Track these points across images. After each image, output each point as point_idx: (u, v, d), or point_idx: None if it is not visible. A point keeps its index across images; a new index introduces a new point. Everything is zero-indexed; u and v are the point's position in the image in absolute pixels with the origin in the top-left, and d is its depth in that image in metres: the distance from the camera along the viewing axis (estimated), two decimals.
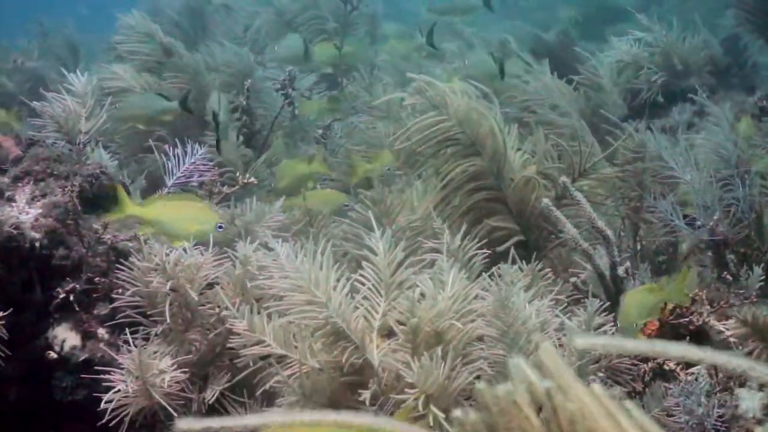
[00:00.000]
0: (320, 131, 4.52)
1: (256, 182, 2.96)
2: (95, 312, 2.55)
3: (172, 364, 2.24)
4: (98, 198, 2.86)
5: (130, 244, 2.62)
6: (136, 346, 2.26)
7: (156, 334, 2.33)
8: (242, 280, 2.31)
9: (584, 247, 2.34)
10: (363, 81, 4.84)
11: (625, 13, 4.70)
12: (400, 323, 2.06)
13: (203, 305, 2.35)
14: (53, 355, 2.48)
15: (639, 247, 3.08)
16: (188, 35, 5.44)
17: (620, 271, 2.39)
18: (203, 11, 5.56)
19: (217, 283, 2.38)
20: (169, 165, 2.72)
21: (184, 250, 2.30)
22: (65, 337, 2.51)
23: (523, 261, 2.51)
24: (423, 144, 2.74)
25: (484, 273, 2.39)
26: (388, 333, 2.13)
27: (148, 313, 2.35)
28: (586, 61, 4.36)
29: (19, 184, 2.71)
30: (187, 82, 4.16)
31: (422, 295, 2.07)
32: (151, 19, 4.79)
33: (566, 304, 2.39)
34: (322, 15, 5.68)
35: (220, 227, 2.57)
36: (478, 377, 2.07)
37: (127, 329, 2.37)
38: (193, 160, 2.69)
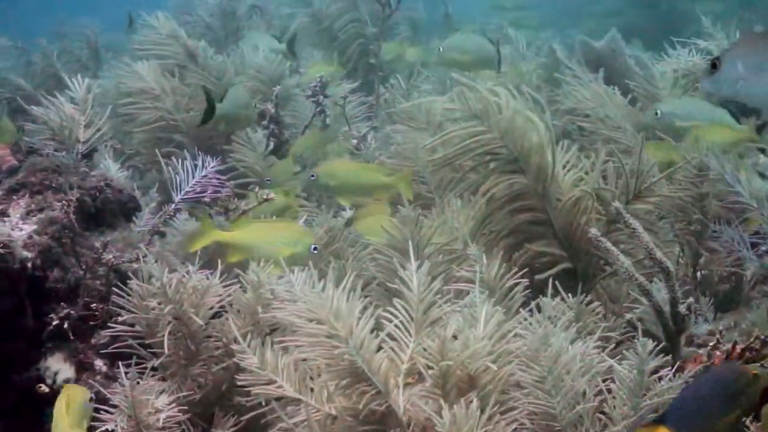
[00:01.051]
0: (355, 141, 4.30)
1: (275, 198, 2.75)
2: (92, 341, 2.35)
3: (171, 402, 2.02)
4: (102, 213, 2.68)
5: (135, 266, 2.42)
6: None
7: (154, 368, 2.12)
8: (254, 308, 2.10)
9: (640, 281, 2.10)
10: (400, 88, 4.62)
11: (696, 21, 4.40)
12: (429, 366, 1.84)
13: (209, 336, 2.14)
14: (45, 388, 2.29)
15: (699, 277, 2.83)
16: (219, 38, 5.26)
17: (682, 308, 2.15)
18: (235, 13, 5.37)
19: (226, 311, 2.17)
20: (178, 179, 2.52)
21: (187, 272, 2.09)
22: (58, 368, 2.32)
23: (570, 295, 2.27)
24: (459, 157, 2.52)
25: (525, 306, 2.17)
26: (416, 378, 1.91)
27: (147, 342, 2.14)
28: (642, 71, 4.09)
29: (14, 197, 2.53)
30: (212, 86, 3.96)
31: (454, 335, 1.85)
32: (181, 21, 4.63)
33: (617, 343, 2.16)
34: (361, 18, 5.47)
35: (315, 249, 2.37)
36: (515, 431, 1.85)
37: (122, 362, 2.17)
38: (204, 173, 2.49)
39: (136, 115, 3.86)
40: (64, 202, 2.42)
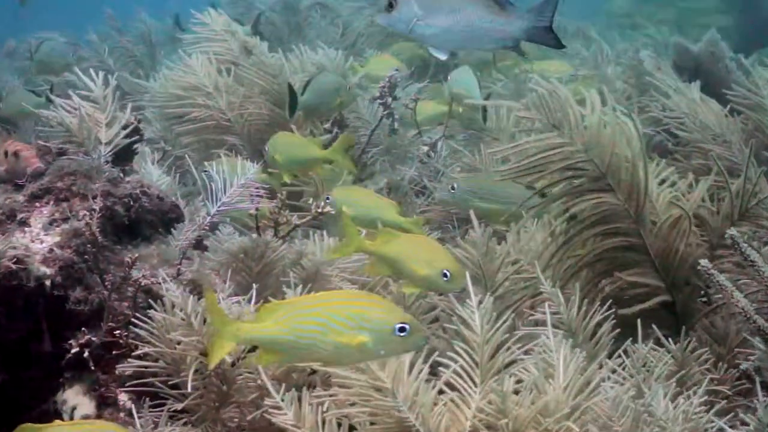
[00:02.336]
0: (426, 149, 4.00)
1: (333, 211, 2.47)
2: (116, 373, 2.11)
3: None
4: (136, 224, 2.44)
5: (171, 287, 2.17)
6: (155, 424, 1.81)
7: (181, 410, 1.87)
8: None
9: (760, 324, 1.79)
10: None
11: None
12: (489, 426, 1.57)
13: (243, 374, 1.89)
14: None
15: None
16: (282, 34, 5.03)
17: None
18: (297, 8, 5.13)
19: None
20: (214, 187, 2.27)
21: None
22: (77, 402, 2.08)
23: (669, 338, 1.97)
24: (534, 171, 2.23)
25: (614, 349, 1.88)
26: None
27: (171, 383, 1.89)
28: (745, 78, 3.74)
29: (37, 204, 2.30)
30: (267, 84, 3.72)
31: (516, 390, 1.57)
32: (237, 14, 4.41)
33: (728, 397, 1.86)
34: None
35: (445, 275, 2.04)
36: None
37: (146, 400, 1.93)
38: (243, 182, 2.23)
39: (185, 114, 3.62)
40: (86, 212, 2.18)
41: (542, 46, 2.40)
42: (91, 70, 2.42)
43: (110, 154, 2.36)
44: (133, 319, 1.94)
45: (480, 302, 1.69)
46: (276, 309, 1.57)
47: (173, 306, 1.85)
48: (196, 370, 1.82)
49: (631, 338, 1.96)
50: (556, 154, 2.20)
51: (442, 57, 2.34)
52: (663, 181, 2.49)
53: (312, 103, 3.49)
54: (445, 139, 3.88)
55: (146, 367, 1.90)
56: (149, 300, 2.08)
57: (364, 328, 1.52)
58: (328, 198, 2.72)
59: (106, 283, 2.16)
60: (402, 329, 1.51)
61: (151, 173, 2.91)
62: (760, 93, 3.60)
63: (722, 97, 3.53)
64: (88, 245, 2.14)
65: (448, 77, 3.90)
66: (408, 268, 2.07)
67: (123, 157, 2.64)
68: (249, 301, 1.91)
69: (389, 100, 3.75)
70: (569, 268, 2.31)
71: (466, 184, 2.88)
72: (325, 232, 2.49)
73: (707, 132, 3.25)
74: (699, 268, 1.83)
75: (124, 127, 2.45)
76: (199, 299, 1.92)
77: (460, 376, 1.67)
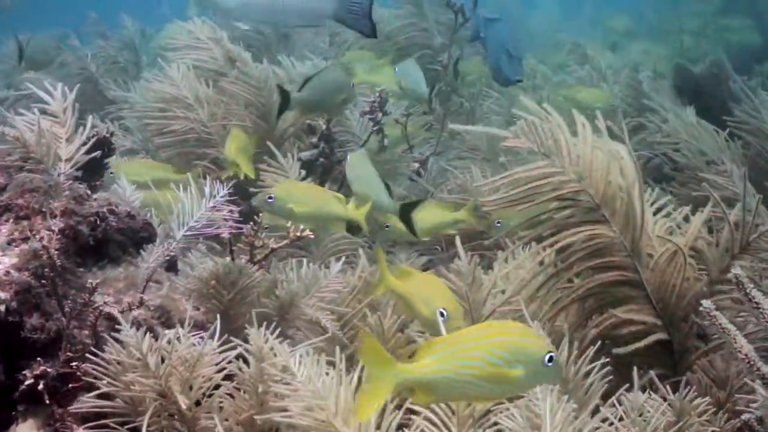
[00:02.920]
0: (416, 165, 3.87)
1: (312, 236, 2.34)
2: (74, 406, 1.97)
3: None
4: (103, 245, 2.30)
5: (139, 314, 2.04)
6: None
7: None
8: (256, 386, 1.70)
9: (764, 372, 1.67)
10: (466, 111, 4.18)
11: None
12: None
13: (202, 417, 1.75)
14: None
15: None
16: (270, 42, 4.89)
17: None
18: None
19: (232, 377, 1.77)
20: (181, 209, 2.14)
21: (178, 338, 1.70)
22: None
23: (667, 386, 1.85)
24: (525, 200, 2.10)
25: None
26: None
27: (130, 426, 1.75)
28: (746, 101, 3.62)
29: None
30: (251, 96, 3.59)
31: None
32: (225, 24, 4.28)
33: None
34: (427, 28, 5.05)
35: (442, 314, 1.91)
36: None
37: None
38: (212, 204, 2.10)
39: (165, 126, 3.49)
40: (46, 232, 2.05)
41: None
42: (46, 83, 2.28)
43: (72, 170, 2.21)
44: (89, 354, 1.79)
45: None
46: (434, 346, 1.50)
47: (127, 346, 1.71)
48: (155, 414, 1.68)
49: (626, 383, 1.83)
50: (548, 184, 2.08)
51: (244, 27, 2.23)
52: (659, 210, 2.37)
53: (312, 99, 3.35)
54: (435, 157, 3.77)
55: (102, 406, 1.76)
56: (112, 328, 1.96)
57: (519, 361, 1.47)
58: (270, 197, 2.60)
59: (66, 310, 2.03)
60: (550, 359, 1.47)
61: (125, 187, 2.77)
62: (761, 117, 3.49)
63: (723, 122, 3.42)
64: (47, 268, 2.01)
65: (395, 68, 3.82)
66: (415, 307, 1.98)
67: (93, 171, 2.51)
68: (212, 336, 1.78)
69: (379, 115, 3.62)
70: (558, 301, 2.18)
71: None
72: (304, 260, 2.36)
73: (704, 158, 3.13)
74: (701, 309, 1.70)
75: (88, 141, 2.30)
76: (166, 328, 1.80)
77: (435, 425, 1.55)
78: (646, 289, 2.16)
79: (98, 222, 2.26)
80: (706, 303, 1.72)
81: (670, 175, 3.19)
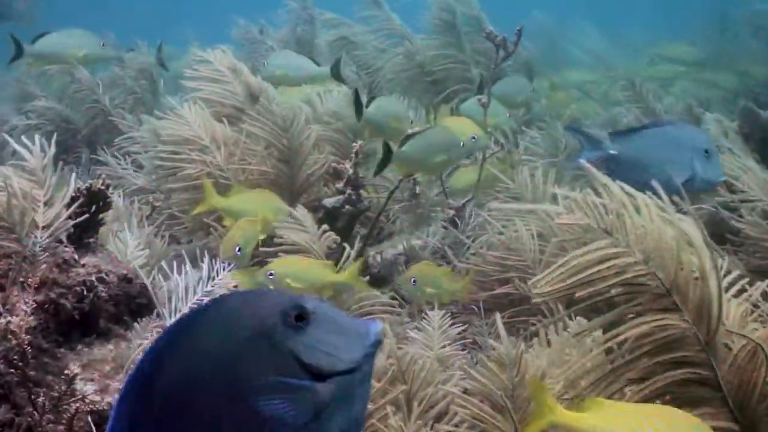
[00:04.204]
0: (451, 212, 3.56)
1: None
2: None
3: None
4: (90, 318, 2.02)
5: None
6: None
7: None
8: None
9: None
10: (507, 154, 3.86)
11: None
12: None
13: None
14: None
15: None
16: None
17: None
18: (313, 43, 4.71)
19: None
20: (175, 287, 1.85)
21: None
22: None
23: None
24: (583, 287, 1.79)
25: None
26: None
27: None
28: None
29: None
30: (273, 137, 3.31)
31: None
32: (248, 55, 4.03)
33: None
34: (464, 59, 4.76)
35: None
36: None
37: None
38: (209, 289, 1.81)
39: (178, 170, 3.21)
40: (23, 308, 1.77)
41: None
42: (23, 137, 1.99)
43: (49, 239, 1.93)
44: None
45: None
46: (602, 405, 1.60)
47: None
48: None
49: None
50: (611, 268, 1.76)
51: None
52: (730, 285, 2.04)
53: (378, 120, 3.41)
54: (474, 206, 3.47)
55: None
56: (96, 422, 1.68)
57: None
58: (271, 274, 2.69)
59: (39, 401, 1.75)
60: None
61: (126, 242, 2.49)
62: None
63: None
64: (15, 356, 1.73)
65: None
66: None
67: (86, 228, 2.23)
68: None
69: None
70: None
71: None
72: None
73: None
74: None
75: (73, 201, 2.02)
76: None
77: None
78: (723, 389, 1.84)
79: (85, 292, 1.99)
80: None
81: (737, 240, 2.84)
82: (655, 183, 1.90)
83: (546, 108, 4.94)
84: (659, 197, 1.85)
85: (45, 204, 1.91)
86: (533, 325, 2.50)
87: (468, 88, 4.59)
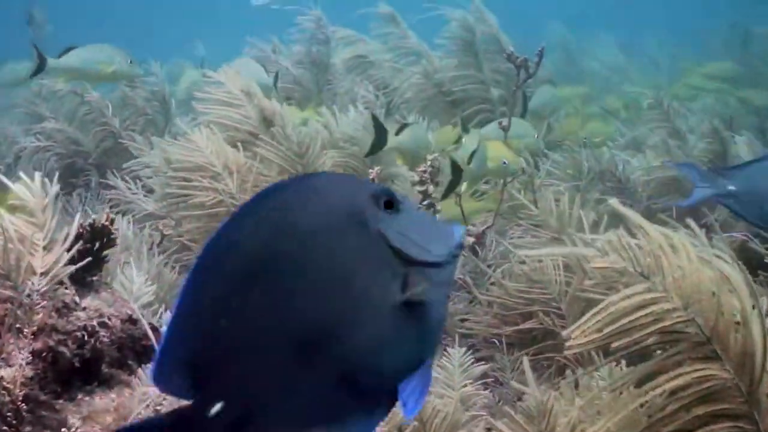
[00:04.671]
0: (471, 240, 3.41)
1: None
2: None
3: None
4: (92, 364, 1.91)
5: None
6: None
7: None
8: None
9: None
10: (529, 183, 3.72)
11: None
12: None
13: None
14: None
15: None
16: (310, 95, 4.50)
17: None
18: (328, 63, 4.59)
19: None
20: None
21: None
22: None
23: None
24: (619, 337, 1.66)
25: None
26: None
27: None
28: None
29: None
30: (287, 163, 3.20)
31: None
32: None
33: None
34: (484, 80, 4.63)
35: None
36: None
37: None
38: None
39: (189, 198, 3.10)
40: (21, 358, 1.66)
41: None
42: (22, 173, 1.87)
43: (47, 286, 1.82)
44: None
45: None
46: None
47: None
48: None
49: None
50: (648, 315, 1.64)
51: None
52: None
53: (406, 145, 3.46)
54: (494, 233, 3.33)
55: None
56: None
57: None
58: None
59: None
60: None
61: (132, 279, 2.37)
62: None
63: None
64: (9, 413, 1.62)
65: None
66: None
67: (88, 266, 2.12)
68: None
69: (431, 188, 3.20)
70: None
71: None
72: None
73: None
74: None
75: (76, 240, 1.91)
76: None
77: None
78: None
79: (86, 338, 1.88)
80: None
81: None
82: None
83: (560, 133, 4.81)
84: None
85: (44, 249, 1.80)
86: (563, 365, 2.38)
87: (487, 109, 4.48)
